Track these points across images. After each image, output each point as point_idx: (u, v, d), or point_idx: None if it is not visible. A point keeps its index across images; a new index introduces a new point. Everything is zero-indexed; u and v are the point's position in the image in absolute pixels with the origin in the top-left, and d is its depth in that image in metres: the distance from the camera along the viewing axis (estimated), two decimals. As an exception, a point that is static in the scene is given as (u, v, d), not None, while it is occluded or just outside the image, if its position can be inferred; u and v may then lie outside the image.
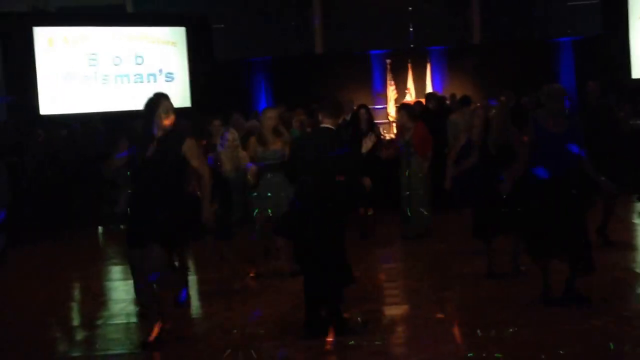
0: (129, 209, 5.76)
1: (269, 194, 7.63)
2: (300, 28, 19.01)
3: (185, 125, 7.59)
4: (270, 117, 7.97)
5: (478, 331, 5.66)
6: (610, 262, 7.35)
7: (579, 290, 6.15)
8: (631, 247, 8.52)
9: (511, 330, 5.65)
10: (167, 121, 5.60)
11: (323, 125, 6.04)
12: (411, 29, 18.62)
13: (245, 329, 6.12)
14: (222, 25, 18.18)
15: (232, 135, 7.89)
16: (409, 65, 17.68)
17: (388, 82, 17.61)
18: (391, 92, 17.39)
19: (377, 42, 18.52)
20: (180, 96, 15.77)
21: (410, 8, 18.66)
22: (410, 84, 17.60)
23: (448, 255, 8.50)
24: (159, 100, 5.65)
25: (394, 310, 6.72)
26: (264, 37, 18.63)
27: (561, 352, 5.15)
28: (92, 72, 15.03)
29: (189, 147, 5.67)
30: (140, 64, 15.53)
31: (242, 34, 18.64)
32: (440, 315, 6.23)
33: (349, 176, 6.06)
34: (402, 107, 10.43)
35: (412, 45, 18.35)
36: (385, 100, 17.57)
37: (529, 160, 6.17)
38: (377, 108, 16.65)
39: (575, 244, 6.07)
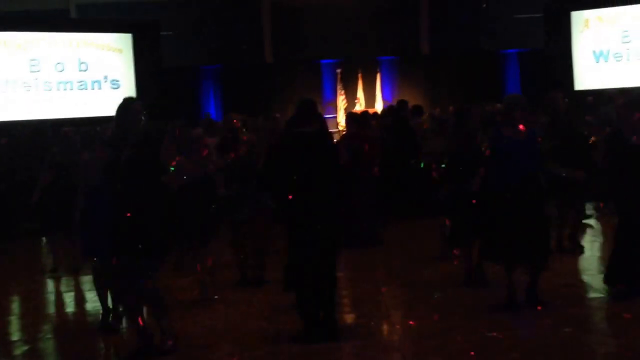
0: (113, 218, 5.56)
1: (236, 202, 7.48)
2: (250, 36, 18.85)
3: (160, 129, 7.43)
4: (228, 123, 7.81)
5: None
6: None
7: (540, 296, 6.29)
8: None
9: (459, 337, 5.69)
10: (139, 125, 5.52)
11: (304, 129, 5.82)
12: (361, 39, 18.64)
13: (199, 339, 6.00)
14: (171, 32, 17.93)
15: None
16: (359, 74, 17.73)
17: (338, 91, 17.65)
18: (341, 101, 17.43)
19: (327, 51, 18.51)
20: (127, 104, 15.51)
21: (360, 18, 18.68)
22: (360, 93, 17.66)
23: (408, 262, 8.51)
24: (129, 105, 5.59)
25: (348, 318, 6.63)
26: (214, 45, 18.44)
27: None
28: (33, 79, 14.66)
29: (163, 151, 5.69)
30: (84, 71, 15.18)
31: (192, 42, 18.43)
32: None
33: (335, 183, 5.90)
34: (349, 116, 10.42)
35: (362, 55, 18.36)
36: (335, 110, 17.57)
37: (492, 167, 6.29)
38: (327, 117, 16.61)
39: (536, 249, 6.16)
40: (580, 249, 8.41)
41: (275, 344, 5.80)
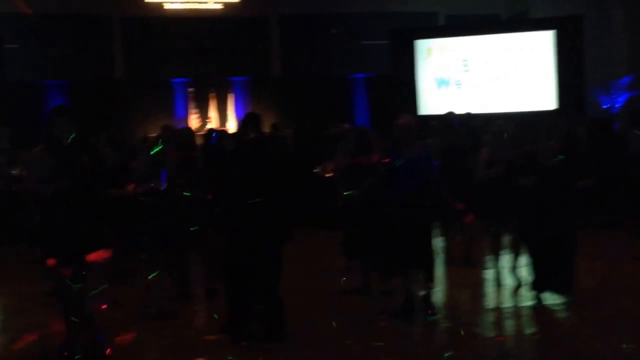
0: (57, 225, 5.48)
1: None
2: (101, 53, 18.44)
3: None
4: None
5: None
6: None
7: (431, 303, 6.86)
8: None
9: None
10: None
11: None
12: (214, 59, 18.74)
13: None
14: (16, 46, 17.23)
15: None
16: (212, 94, 17.81)
17: (190, 110, 17.62)
18: (194, 120, 17.41)
19: (179, 70, 18.46)
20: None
21: (212, 38, 18.78)
22: (212, 112, 17.73)
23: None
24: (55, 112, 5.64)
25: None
26: (62, 60, 17.87)
27: None
28: None
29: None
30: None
31: (37, 56, 17.76)
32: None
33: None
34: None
35: (214, 75, 18.45)
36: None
37: (380, 182, 6.67)
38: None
39: (420, 260, 6.62)
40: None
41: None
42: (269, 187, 5.97)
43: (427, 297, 6.88)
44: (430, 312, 6.79)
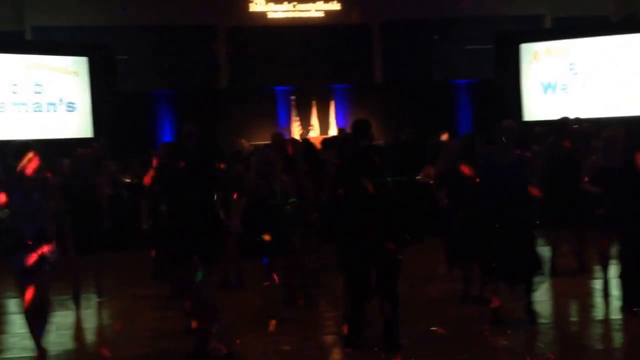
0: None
1: None
2: (205, 62, 18.93)
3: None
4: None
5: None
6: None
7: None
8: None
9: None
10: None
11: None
12: (316, 67, 18.88)
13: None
14: (126, 57, 17.90)
15: None
16: (313, 102, 17.95)
17: (293, 118, 17.82)
18: (296, 128, 17.60)
19: (282, 78, 18.70)
20: (82, 126, 15.44)
21: (314, 47, 18.93)
22: (314, 120, 17.86)
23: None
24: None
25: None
26: (169, 69, 18.42)
27: None
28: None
29: None
30: (39, 93, 15.07)
31: (147, 66, 18.38)
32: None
33: None
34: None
35: (316, 83, 18.59)
36: (290, 136, 17.69)
37: (478, 190, 6.56)
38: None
39: (525, 267, 6.49)
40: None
41: None
42: (387, 193, 5.94)
43: (530, 306, 6.70)
44: (532, 320, 6.61)
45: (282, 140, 8.47)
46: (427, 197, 8.24)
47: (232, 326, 6.83)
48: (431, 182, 9.46)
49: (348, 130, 14.58)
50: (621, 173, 6.88)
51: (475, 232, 6.73)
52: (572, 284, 8.29)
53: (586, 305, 7.55)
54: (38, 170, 5.78)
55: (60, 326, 7.40)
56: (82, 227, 7.99)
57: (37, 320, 5.94)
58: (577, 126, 10.32)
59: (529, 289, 6.65)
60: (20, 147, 5.78)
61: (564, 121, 9.53)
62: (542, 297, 7.28)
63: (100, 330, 7.70)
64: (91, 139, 14.65)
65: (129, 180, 12.26)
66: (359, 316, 6.11)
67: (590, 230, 8.06)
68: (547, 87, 16.58)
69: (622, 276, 7.05)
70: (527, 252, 6.53)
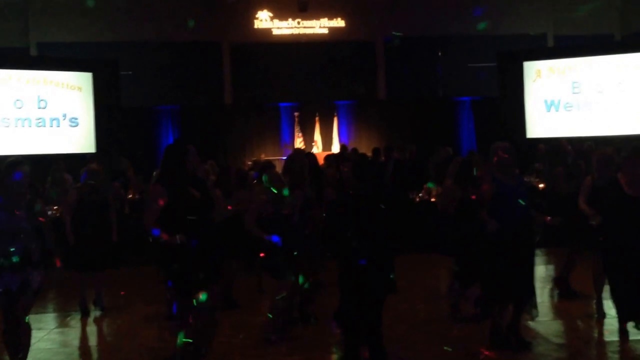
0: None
1: None
2: (210, 78, 18.99)
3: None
4: None
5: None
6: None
7: (521, 335, 6.55)
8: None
9: None
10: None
11: None
12: (319, 83, 18.94)
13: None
14: (130, 72, 17.95)
15: None
16: (317, 118, 18.00)
17: (296, 133, 17.86)
18: (299, 143, 17.63)
19: (285, 94, 18.75)
20: (85, 141, 15.46)
21: (318, 63, 18.99)
22: (317, 136, 17.91)
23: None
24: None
25: None
26: (173, 85, 18.48)
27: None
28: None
29: None
30: (43, 108, 15.12)
31: (150, 82, 18.44)
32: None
33: None
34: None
35: (319, 99, 18.64)
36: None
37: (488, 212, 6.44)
38: (284, 159, 16.75)
39: (524, 290, 6.41)
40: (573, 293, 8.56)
41: None
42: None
43: (514, 327, 6.62)
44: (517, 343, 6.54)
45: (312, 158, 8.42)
46: (425, 217, 8.22)
47: (234, 345, 6.80)
48: (432, 200, 9.46)
49: (350, 147, 14.72)
50: (606, 191, 6.83)
51: (482, 253, 6.66)
52: (574, 306, 8.22)
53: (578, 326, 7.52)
54: (25, 189, 5.60)
55: (57, 342, 7.39)
56: (93, 242, 8.09)
57: (14, 345, 5.70)
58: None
59: (520, 312, 6.57)
60: (10, 164, 5.62)
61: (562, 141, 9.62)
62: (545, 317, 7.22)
63: (98, 346, 7.66)
64: (99, 154, 14.68)
65: (131, 196, 12.27)
66: (357, 356, 6.00)
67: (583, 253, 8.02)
68: (551, 105, 16.58)
69: (614, 294, 6.93)
70: (529, 275, 6.48)
